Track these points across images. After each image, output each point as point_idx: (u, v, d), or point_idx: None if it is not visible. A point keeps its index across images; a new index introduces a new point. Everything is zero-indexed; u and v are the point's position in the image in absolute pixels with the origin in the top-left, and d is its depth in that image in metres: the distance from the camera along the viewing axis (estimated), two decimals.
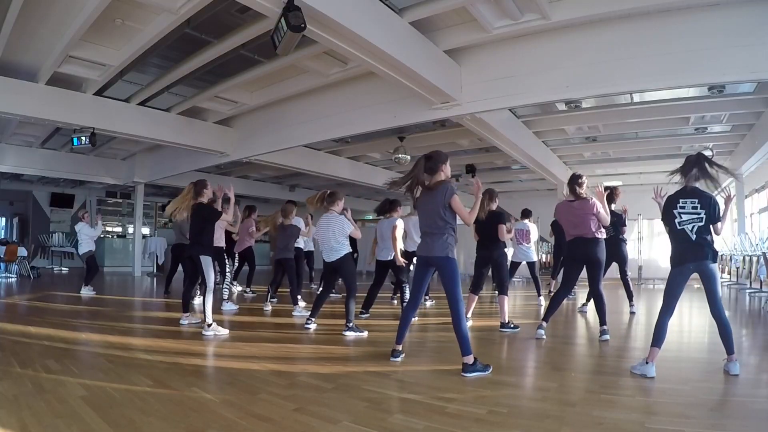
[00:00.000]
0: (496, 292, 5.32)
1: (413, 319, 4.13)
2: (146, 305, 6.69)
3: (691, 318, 6.43)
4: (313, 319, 4.91)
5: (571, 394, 2.83)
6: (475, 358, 3.21)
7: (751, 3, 4.86)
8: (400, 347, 3.59)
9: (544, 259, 16.38)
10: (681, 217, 3.23)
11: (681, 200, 3.25)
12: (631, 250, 11.43)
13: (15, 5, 4.75)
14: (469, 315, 5.01)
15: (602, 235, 4.43)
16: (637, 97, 7.64)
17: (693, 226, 3.19)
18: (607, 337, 4.41)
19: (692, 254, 3.18)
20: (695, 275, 3.22)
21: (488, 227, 4.99)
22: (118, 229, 17.33)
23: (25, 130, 9.92)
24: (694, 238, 3.18)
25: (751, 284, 8.86)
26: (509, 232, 5.31)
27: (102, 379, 3.00)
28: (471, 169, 12.65)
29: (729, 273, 11.31)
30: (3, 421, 2.23)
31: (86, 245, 8.13)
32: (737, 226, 11.04)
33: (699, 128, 9.27)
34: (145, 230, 15.47)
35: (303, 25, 4.01)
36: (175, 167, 11.55)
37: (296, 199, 16.79)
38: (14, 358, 3.43)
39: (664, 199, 3.42)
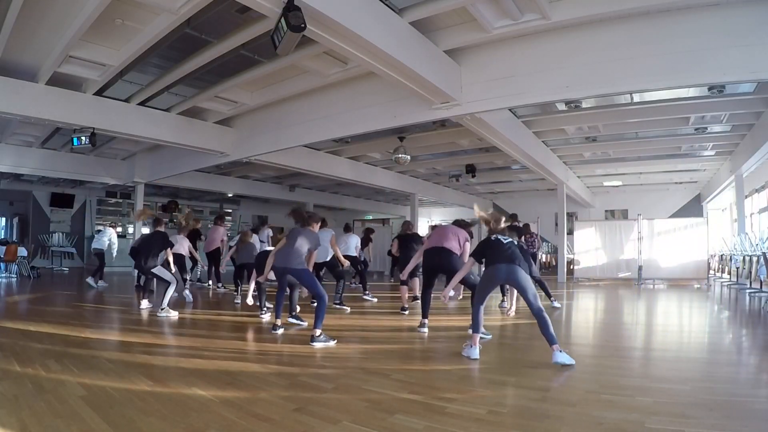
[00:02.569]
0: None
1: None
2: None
3: (691, 318, 6.44)
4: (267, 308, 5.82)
5: (571, 394, 2.82)
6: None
7: (751, 3, 4.86)
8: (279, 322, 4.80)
9: (544, 259, 16.43)
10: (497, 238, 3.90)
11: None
12: (631, 250, 11.61)
13: (15, 5, 4.75)
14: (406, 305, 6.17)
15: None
16: (637, 97, 7.64)
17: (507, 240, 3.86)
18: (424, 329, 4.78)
19: (503, 258, 3.69)
20: None
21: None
22: (119, 229, 17.31)
23: (25, 130, 9.92)
24: (505, 243, 3.79)
25: (751, 284, 8.86)
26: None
27: (102, 379, 2.99)
28: (471, 169, 12.66)
29: (729, 273, 11.32)
30: (3, 421, 2.23)
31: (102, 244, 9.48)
32: (737, 226, 11.05)
33: (699, 128, 9.27)
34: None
35: (303, 25, 4.01)
36: (175, 167, 11.55)
37: (297, 199, 17.04)
38: (14, 358, 3.42)
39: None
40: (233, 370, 3.28)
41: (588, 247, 12.16)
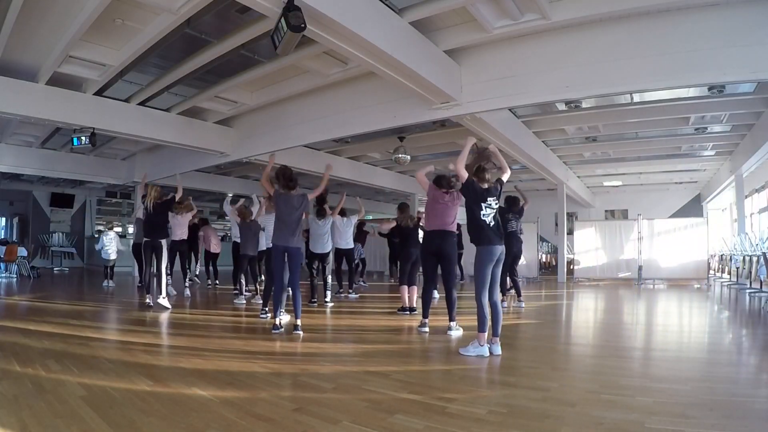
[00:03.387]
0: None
1: None
2: (145, 305, 6.68)
3: (691, 318, 6.44)
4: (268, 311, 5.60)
5: (571, 394, 2.82)
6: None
7: (751, 3, 4.86)
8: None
9: (544, 259, 16.43)
10: (485, 210, 3.75)
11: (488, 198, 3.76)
12: (631, 250, 11.59)
13: (15, 5, 4.74)
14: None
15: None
16: (637, 97, 7.64)
17: (494, 214, 3.79)
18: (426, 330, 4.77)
19: (498, 238, 3.73)
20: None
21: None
22: (119, 229, 17.31)
23: (25, 130, 9.91)
24: (493, 224, 3.76)
25: (751, 284, 8.86)
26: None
27: (102, 379, 3.00)
28: None
29: (729, 273, 11.32)
30: (3, 421, 2.23)
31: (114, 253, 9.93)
32: (737, 226, 11.05)
33: (699, 128, 9.27)
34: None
35: (303, 25, 4.01)
36: (175, 167, 11.49)
37: None
38: (14, 358, 3.43)
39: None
40: (233, 370, 3.28)
41: (588, 247, 12.16)
